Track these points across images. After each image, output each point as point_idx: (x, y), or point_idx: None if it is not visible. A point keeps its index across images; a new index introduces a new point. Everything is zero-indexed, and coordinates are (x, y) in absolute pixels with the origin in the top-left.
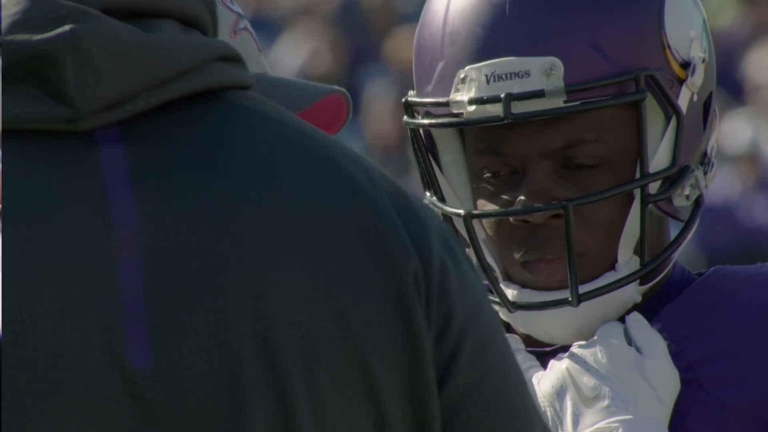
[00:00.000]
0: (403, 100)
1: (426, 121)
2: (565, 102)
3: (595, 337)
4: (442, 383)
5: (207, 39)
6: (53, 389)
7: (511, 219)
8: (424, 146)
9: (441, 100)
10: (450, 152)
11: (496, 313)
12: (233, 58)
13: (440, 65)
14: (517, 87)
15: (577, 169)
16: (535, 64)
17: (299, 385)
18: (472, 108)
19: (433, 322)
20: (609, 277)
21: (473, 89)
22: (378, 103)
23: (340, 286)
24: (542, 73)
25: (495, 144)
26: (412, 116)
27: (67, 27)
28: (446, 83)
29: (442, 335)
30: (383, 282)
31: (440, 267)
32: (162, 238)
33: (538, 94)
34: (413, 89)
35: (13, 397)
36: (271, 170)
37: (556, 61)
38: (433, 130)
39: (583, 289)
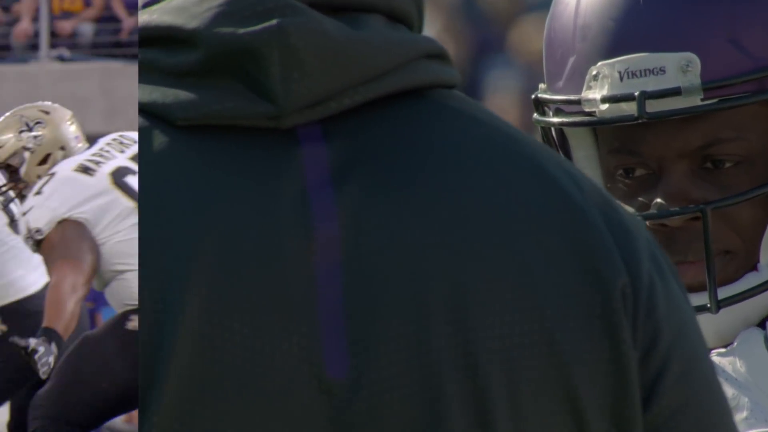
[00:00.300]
0: (533, 96)
1: (557, 120)
2: (702, 100)
3: (735, 345)
4: (645, 405)
5: (413, 35)
6: (250, 398)
7: (647, 223)
8: (556, 143)
9: (572, 97)
10: (583, 149)
11: (702, 332)
12: (439, 56)
13: (571, 60)
14: (651, 84)
15: (715, 169)
16: (670, 60)
17: (500, 401)
18: (605, 106)
19: (639, 341)
20: (750, 279)
21: (606, 87)
22: (502, 96)
23: (545, 299)
24: (678, 70)
25: (630, 143)
26: (543, 113)
27: (274, 21)
28: (578, 79)
29: (647, 355)
30: (590, 297)
31: (648, 284)
32: (362, 242)
33: (674, 92)
34: (540, 82)
35: (208, 405)
36: (477, 173)
37: (693, 57)
38: (565, 127)
39: (724, 292)
